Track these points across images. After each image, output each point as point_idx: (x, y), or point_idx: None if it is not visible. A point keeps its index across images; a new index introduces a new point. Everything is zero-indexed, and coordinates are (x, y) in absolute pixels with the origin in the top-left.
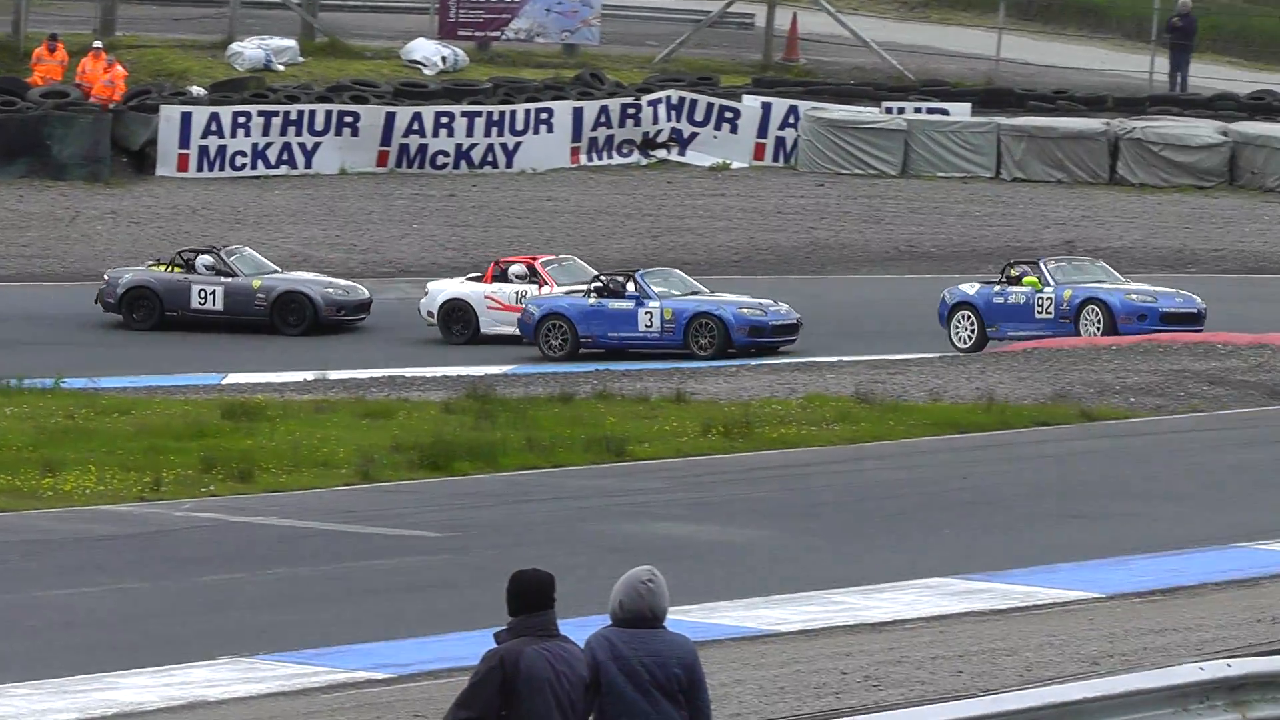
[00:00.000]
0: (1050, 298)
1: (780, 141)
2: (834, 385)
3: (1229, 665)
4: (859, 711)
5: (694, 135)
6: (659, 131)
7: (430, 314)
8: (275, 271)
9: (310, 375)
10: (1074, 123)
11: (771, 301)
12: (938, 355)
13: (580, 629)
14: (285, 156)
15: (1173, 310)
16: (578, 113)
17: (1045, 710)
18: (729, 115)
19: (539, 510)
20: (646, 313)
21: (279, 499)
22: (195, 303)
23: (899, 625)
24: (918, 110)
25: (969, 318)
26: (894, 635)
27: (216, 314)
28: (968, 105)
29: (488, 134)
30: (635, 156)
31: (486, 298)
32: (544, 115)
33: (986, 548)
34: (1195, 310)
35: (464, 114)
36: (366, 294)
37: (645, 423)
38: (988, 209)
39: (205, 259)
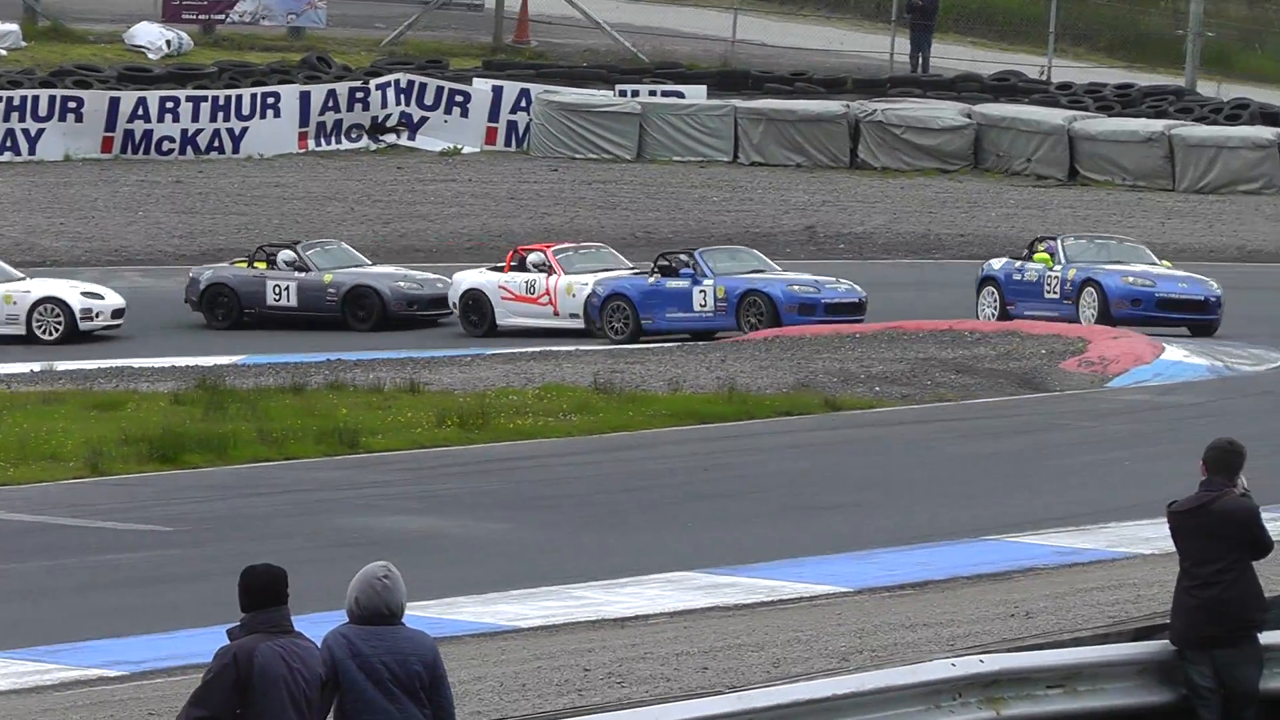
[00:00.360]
0: (1058, 277)
1: (512, 126)
2: (571, 375)
3: (982, 661)
4: (602, 709)
5: (424, 120)
6: (388, 116)
7: (454, 305)
8: (358, 265)
9: (37, 366)
10: (813, 105)
11: (832, 279)
12: (677, 344)
13: (315, 625)
14: (8, 143)
15: (1173, 296)
16: (305, 97)
17: (794, 707)
18: (459, 99)
19: (271, 503)
20: (701, 291)
21: (6, 493)
22: (270, 299)
23: (642, 620)
24: (652, 93)
25: (993, 294)
26: (637, 631)
27: (291, 310)
28: (703, 88)
29: (214, 119)
30: (364, 141)
31: (500, 287)
32: (270, 100)
33: (730, 541)
34: (1202, 297)
35: (189, 99)
36: (122, 302)
37: (379, 414)
38: (725, 194)
39: (286, 254)
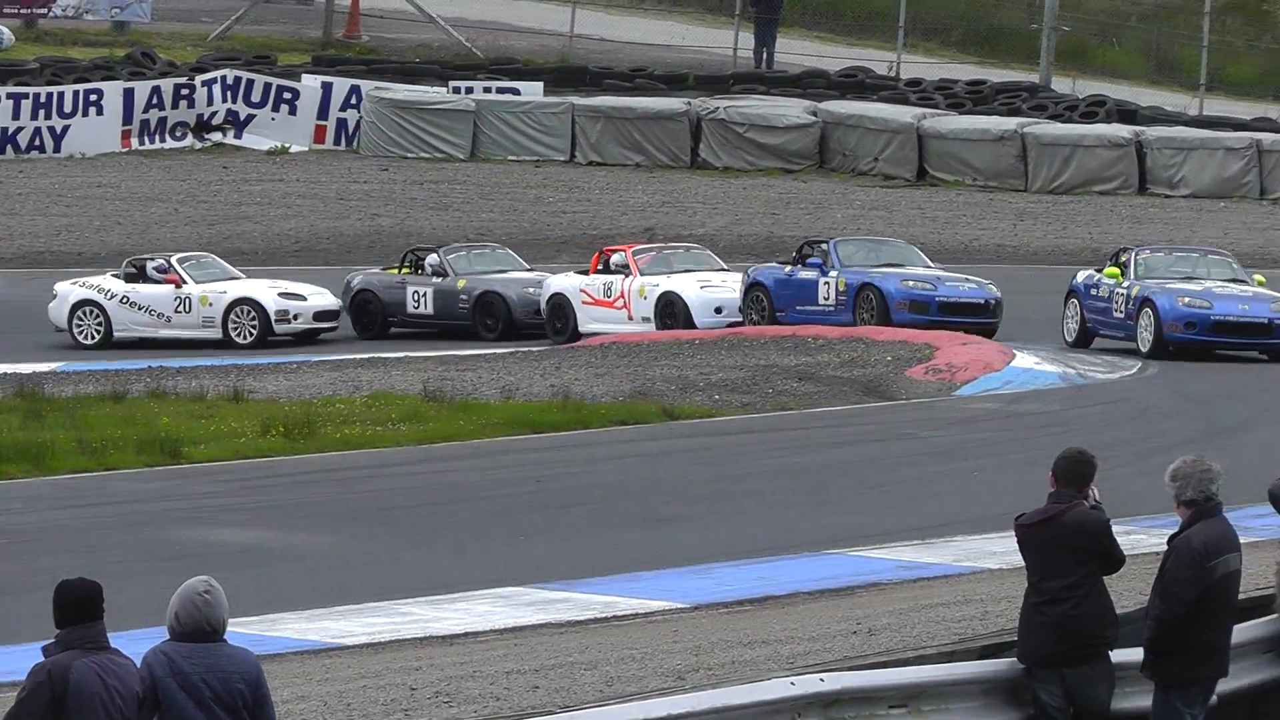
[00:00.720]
0: (1124, 294)
1: (342, 123)
2: (401, 383)
3: (822, 680)
4: None
5: (251, 117)
6: (214, 113)
7: (543, 310)
8: (504, 269)
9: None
10: (653, 102)
11: (961, 277)
12: (510, 350)
13: (135, 642)
14: None
15: (1230, 319)
16: (129, 94)
17: None
18: (288, 96)
19: (90, 515)
20: (825, 284)
21: None
22: (410, 307)
23: (471, 638)
24: (487, 90)
25: (1076, 308)
26: (466, 648)
27: (428, 318)
28: (540, 84)
29: (34, 117)
30: (189, 140)
31: (581, 291)
32: (93, 97)
33: (563, 555)
34: (1265, 320)
35: (9, 96)
36: (326, 303)
37: (202, 423)
38: (562, 194)
39: (433, 258)
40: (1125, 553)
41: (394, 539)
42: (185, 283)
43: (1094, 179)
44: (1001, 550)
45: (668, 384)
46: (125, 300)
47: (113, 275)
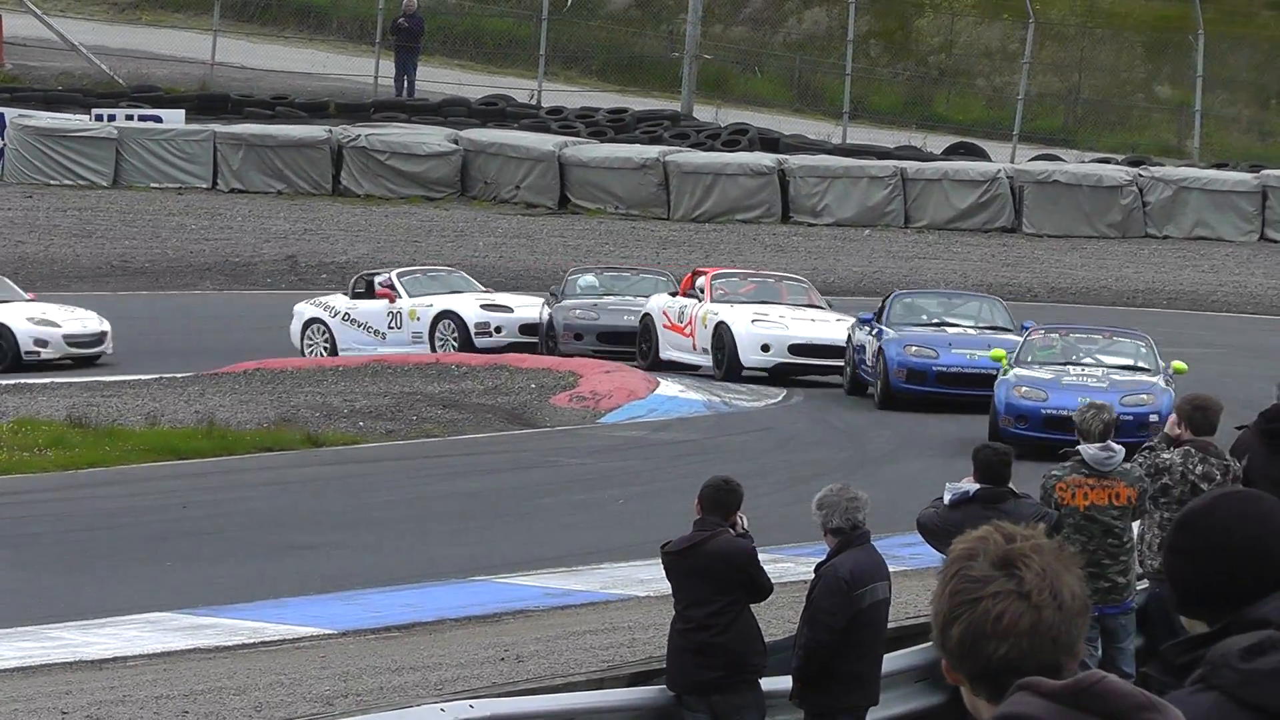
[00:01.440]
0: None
1: None
2: (47, 408)
3: (471, 706)
4: None
5: None
6: None
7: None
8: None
9: None
10: (294, 130)
11: (982, 346)
12: (155, 377)
13: None
14: None
15: (1065, 414)
16: None
17: None
18: None
19: None
20: (868, 343)
21: None
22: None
23: (120, 663)
24: (129, 118)
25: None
26: (116, 673)
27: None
28: (181, 112)
29: None
30: None
31: (663, 313)
32: None
33: (210, 581)
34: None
35: None
36: (534, 315)
37: None
38: (204, 222)
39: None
40: (773, 581)
41: (42, 564)
42: (399, 297)
43: (737, 207)
44: (648, 578)
45: (312, 411)
46: (347, 317)
47: (342, 293)
